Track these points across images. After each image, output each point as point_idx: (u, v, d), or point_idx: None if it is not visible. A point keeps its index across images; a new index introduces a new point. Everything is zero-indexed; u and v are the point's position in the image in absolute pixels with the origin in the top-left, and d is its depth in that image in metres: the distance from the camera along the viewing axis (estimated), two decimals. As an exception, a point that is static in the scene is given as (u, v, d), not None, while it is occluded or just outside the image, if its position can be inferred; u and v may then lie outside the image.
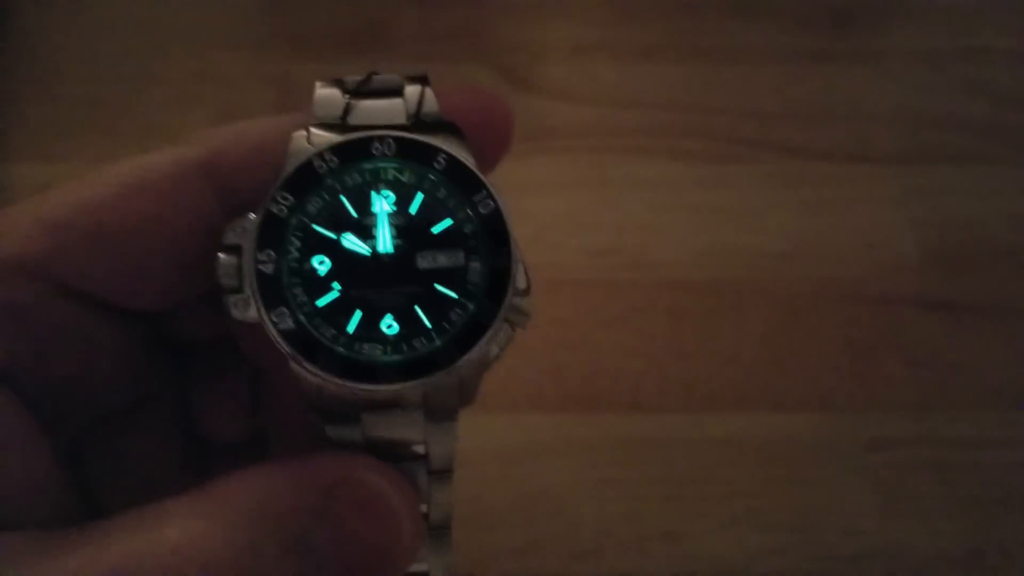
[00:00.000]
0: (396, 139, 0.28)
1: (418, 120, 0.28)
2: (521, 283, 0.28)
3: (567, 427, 0.53)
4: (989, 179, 0.61)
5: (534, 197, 0.59)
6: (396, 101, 0.29)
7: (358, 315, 0.27)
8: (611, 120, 0.63)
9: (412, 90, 0.29)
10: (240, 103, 0.62)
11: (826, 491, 0.51)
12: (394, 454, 0.27)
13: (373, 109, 0.29)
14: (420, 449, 0.28)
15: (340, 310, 0.27)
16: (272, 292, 0.26)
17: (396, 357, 0.26)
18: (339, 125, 0.28)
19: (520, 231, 0.64)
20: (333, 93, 0.29)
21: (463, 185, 0.28)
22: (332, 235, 0.27)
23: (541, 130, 0.62)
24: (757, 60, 0.65)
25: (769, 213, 0.59)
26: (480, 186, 0.28)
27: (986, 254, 0.58)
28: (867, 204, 0.60)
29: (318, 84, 0.29)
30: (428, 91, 0.29)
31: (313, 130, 0.28)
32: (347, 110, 0.28)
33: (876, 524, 0.50)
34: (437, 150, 0.28)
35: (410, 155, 0.28)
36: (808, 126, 0.63)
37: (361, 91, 0.29)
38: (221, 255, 0.26)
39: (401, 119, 0.28)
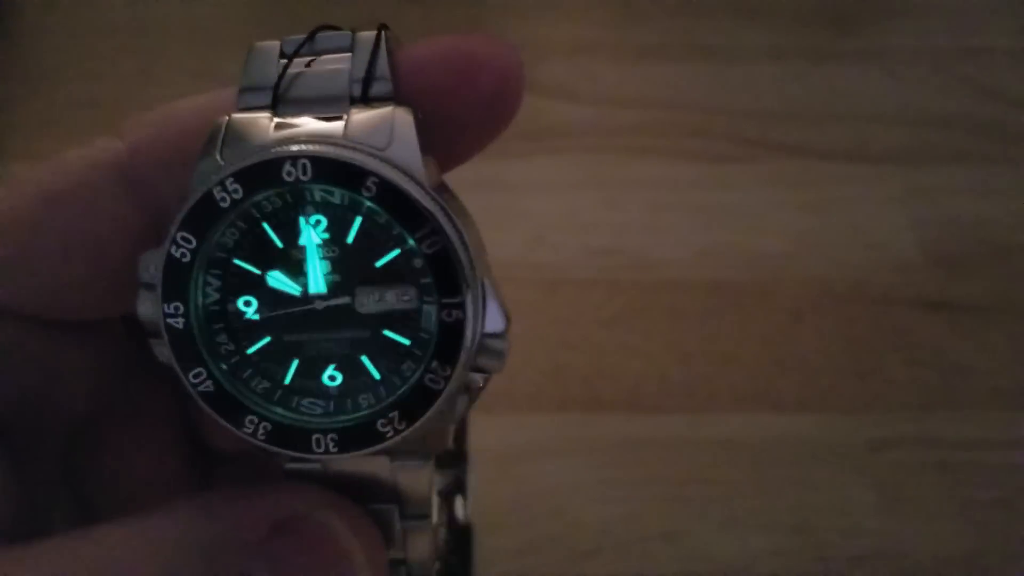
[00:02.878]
0: (312, 159, 0.21)
1: (364, 96, 0.22)
2: (495, 325, 0.22)
3: (567, 427, 0.52)
4: (990, 179, 0.61)
5: (534, 197, 0.59)
6: (340, 77, 0.23)
7: (295, 364, 0.23)
8: (611, 120, 0.63)
9: (362, 48, 0.23)
10: (239, 103, 0.62)
11: (826, 491, 0.51)
12: (363, 492, 0.23)
13: (309, 89, 0.23)
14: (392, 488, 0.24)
15: (274, 358, 0.23)
16: (186, 349, 0.22)
17: (334, 420, 0.22)
18: (269, 106, 0.23)
19: (520, 231, 0.64)
20: (268, 58, 0.23)
21: (402, 217, 0.21)
22: (256, 271, 0.22)
23: (541, 130, 0.62)
24: (757, 60, 0.65)
25: (769, 213, 0.59)
26: (421, 220, 0.21)
27: (987, 254, 0.58)
28: (868, 204, 0.60)
29: (256, 44, 0.24)
30: (382, 53, 0.23)
31: (235, 117, 0.23)
32: (277, 92, 0.23)
33: (876, 524, 0.50)
34: (364, 173, 0.21)
35: (331, 179, 0.21)
36: (808, 126, 0.63)
37: (303, 53, 0.23)
38: (140, 292, 0.23)
39: (341, 109, 0.22)
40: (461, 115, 0.23)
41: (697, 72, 0.65)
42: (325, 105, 0.23)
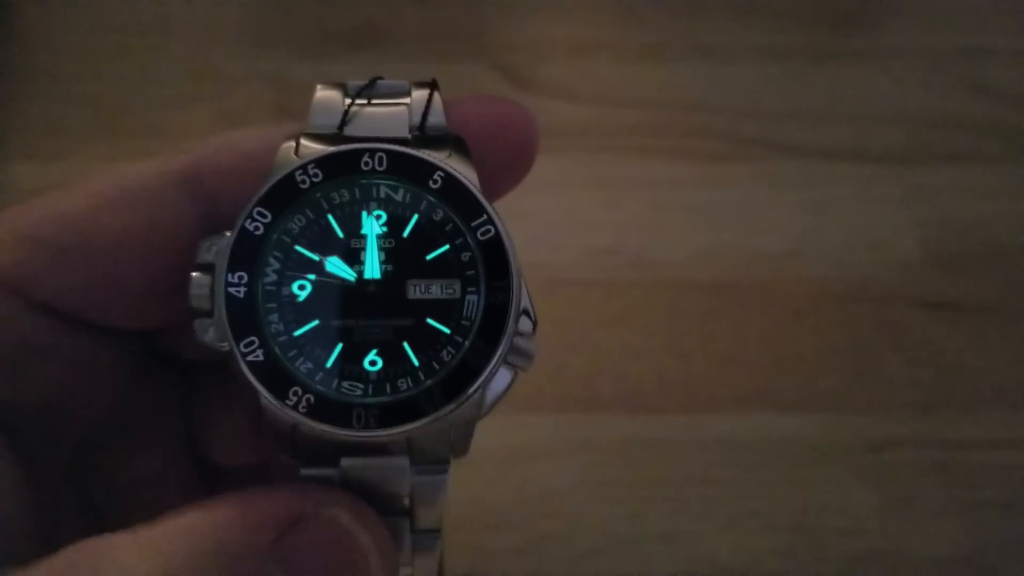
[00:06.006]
0: (388, 153, 0.25)
1: (422, 133, 0.26)
2: (525, 324, 0.25)
3: (567, 427, 0.52)
4: (990, 179, 0.61)
5: (534, 197, 0.59)
6: (400, 109, 0.26)
7: (339, 348, 0.24)
8: (611, 120, 0.63)
9: (419, 96, 0.27)
10: (240, 102, 0.62)
11: (827, 492, 0.51)
12: (375, 502, 0.24)
13: (373, 118, 0.26)
14: (406, 503, 0.25)
15: (319, 341, 0.24)
16: (243, 319, 0.24)
17: (376, 399, 0.24)
18: (334, 136, 0.26)
19: (520, 231, 0.63)
20: (334, 97, 0.26)
21: (462, 208, 0.25)
22: (315, 257, 0.25)
23: (541, 130, 0.61)
24: (757, 60, 0.65)
25: (769, 213, 0.59)
26: (480, 210, 0.25)
27: (987, 254, 0.58)
28: (868, 204, 0.60)
29: (319, 87, 0.27)
30: (436, 98, 0.26)
31: (303, 141, 0.25)
32: (345, 118, 0.26)
33: (877, 525, 0.50)
34: (433, 167, 0.25)
35: (403, 172, 0.25)
36: (809, 126, 0.63)
37: (364, 95, 0.26)
38: (194, 274, 0.24)
39: (403, 131, 0.26)
40: (493, 159, 0.26)
41: (697, 72, 0.64)
42: (387, 133, 0.26)
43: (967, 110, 0.64)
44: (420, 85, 0.27)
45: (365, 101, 0.26)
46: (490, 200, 0.26)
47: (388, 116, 0.26)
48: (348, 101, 0.26)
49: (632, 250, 0.58)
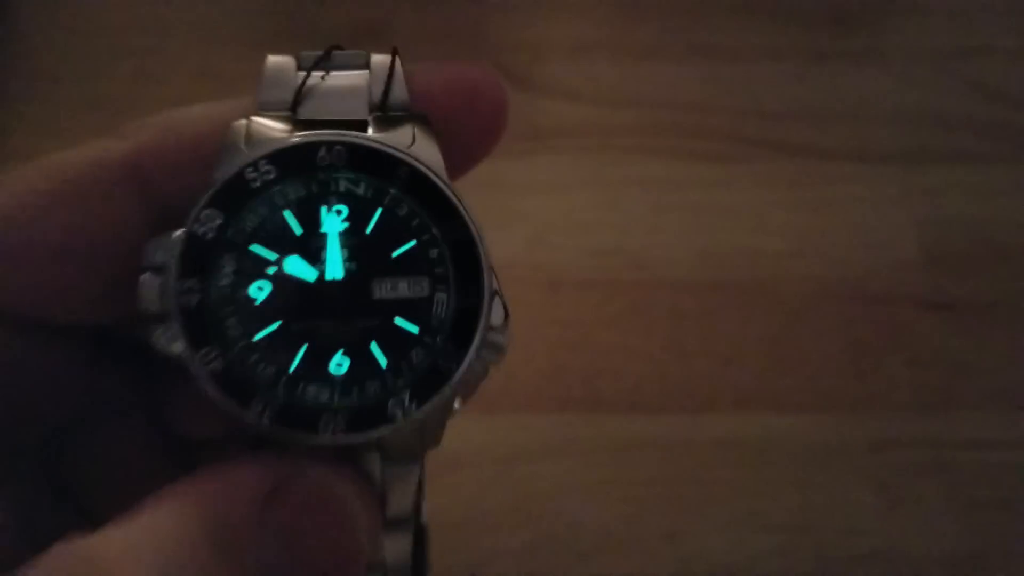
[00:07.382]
0: (348, 146, 0.23)
1: (383, 113, 0.24)
2: (496, 318, 0.23)
3: (567, 427, 0.52)
4: (990, 179, 0.61)
5: (534, 197, 0.59)
6: (359, 85, 0.24)
7: (303, 351, 0.23)
8: (612, 120, 0.63)
9: (379, 65, 0.24)
10: (239, 102, 0.62)
11: (827, 492, 0.51)
12: None
13: (330, 96, 0.24)
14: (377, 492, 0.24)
15: (282, 345, 0.23)
16: (199, 328, 0.22)
17: (344, 402, 0.22)
18: (287, 117, 0.24)
19: (520, 231, 0.64)
20: (286, 67, 0.24)
21: (428, 202, 0.23)
22: (272, 256, 0.23)
23: (541, 130, 0.62)
24: (757, 59, 0.65)
25: (769, 213, 0.59)
26: (448, 204, 0.23)
27: (987, 254, 0.58)
28: (868, 204, 0.60)
29: (269, 56, 0.24)
30: (398, 71, 0.24)
31: (255, 119, 0.23)
32: (298, 97, 0.24)
33: (877, 525, 0.50)
34: (398, 162, 0.23)
35: (365, 166, 0.23)
36: (809, 125, 0.63)
37: (320, 68, 0.24)
38: (142, 277, 0.22)
39: (362, 112, 0.24)
40: (461, 133, 0.24)
41: (697, 72, 0.64)
42: (345, 114, 0.24)
43: (968, 110, 0.63)
44: (380, 55, 0.25)
45: (321, 75, 0.24)
46: (454, 178, 0.24)
47: (346, 94, 0.24)
48: (302, 75, 0.24)
49: (632, 250, 0.58)
